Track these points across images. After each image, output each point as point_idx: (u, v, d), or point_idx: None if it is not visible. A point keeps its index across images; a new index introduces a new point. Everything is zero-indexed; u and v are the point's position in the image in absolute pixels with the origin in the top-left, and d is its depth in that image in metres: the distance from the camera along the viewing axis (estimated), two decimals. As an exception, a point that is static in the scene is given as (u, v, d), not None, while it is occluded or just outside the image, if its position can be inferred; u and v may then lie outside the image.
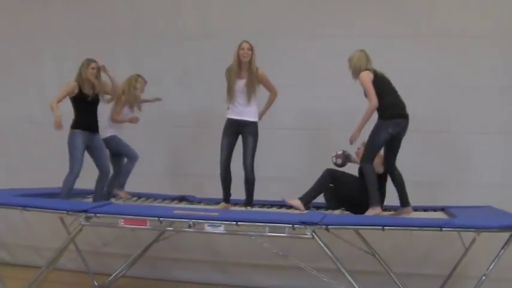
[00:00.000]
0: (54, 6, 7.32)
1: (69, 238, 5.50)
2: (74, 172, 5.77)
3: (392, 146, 5.31)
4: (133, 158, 6.14)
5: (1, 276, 5.91)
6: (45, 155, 7.13)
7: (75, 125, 5.84)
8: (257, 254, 6.25)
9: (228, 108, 5.70)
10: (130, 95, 6.15)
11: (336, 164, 5.63)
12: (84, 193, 6.22)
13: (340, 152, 5.63)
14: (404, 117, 5.30)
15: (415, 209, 5.76)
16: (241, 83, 5.60)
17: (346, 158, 5.62)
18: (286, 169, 6.63)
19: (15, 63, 7.38)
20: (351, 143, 5.39)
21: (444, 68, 6.35)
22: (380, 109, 5.24)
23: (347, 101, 6.25)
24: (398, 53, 6.34)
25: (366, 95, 5.31)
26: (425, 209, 5.84)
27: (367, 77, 5.27)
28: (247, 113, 5.62)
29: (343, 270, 4.64)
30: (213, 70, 6.57)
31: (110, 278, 6.35)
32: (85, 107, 5.86)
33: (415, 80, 6.26)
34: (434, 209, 5.86)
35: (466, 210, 5.47)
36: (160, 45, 7.00)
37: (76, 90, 5.83)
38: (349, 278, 4.60)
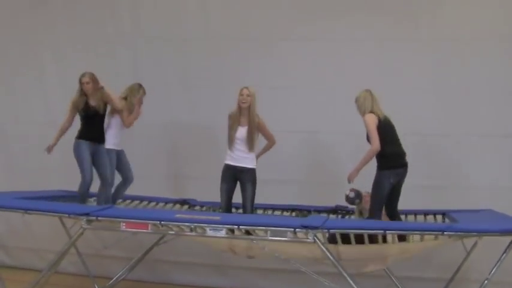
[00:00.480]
0: (56, 9, 7.31)
1: (70, 241, 5.49)
2: (85, 181, 5.92)
3: (393, 193, 5.35)
4: (111, 183, 6.09)
5: (1, 278, 5.91)
6: (46, 157, 7.09)
7: (80, 135, 5.97)
8: (258, 258, 6.24)
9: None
10: (131, 104, 6.12)
11: (347, 196, 5.63)
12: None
13: (352, 195, 5.63)
14: (405, 165, 5.35)
15: (416, 213, 5.78)
16: (241, 130, 5.62)
17: (358, 195, 5.62)
18: (287, 172, 6.62)
19: (17, 65, 7.37)
20: (349, 182, 5.41)
21: (445, 71, 6.34)
22: (381, 159, 5.28)
23: (347, 104, 6.23)
24: (399, 56, 6.34)
25: (368, 138, 5.33)
26: (426, 213, 5.85)
27: (371, 120, 5.28)
28: (245, 160, 5.63)
29: (345, 274, 4.63)
30: (215, 72, 6.61)
31: (110, 282, 6.33)
32: (88, 119, 5.99)
33: (415, 83, 6.27)
34: (435, 213, 5.87)
35: (467, 214, 5.48)
36: (161, 47, 6.99)
37: (80, 105, 5.96)
38: (351, 281, 4.59)
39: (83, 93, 5.97)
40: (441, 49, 6.33)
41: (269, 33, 6.67)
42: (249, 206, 5.63)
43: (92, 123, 6.00)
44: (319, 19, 6.57)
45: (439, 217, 5.82)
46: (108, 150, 6.04)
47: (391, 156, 5.29)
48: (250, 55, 6.65)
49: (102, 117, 6.05)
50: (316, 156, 6.51)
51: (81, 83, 5.96)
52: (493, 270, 4.59)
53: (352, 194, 5.62)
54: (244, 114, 5.61)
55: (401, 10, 6.44)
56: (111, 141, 6.07)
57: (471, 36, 6.24)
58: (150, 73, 6.85)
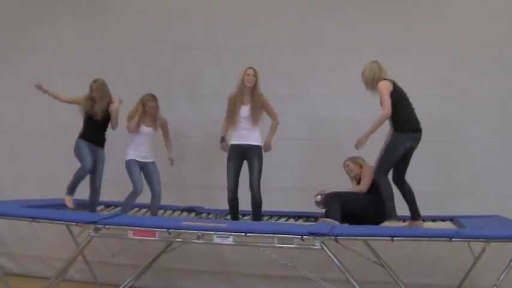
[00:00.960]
0: (63, 21, 7.36)
1: (77, 249, 5.52)
2: (86, 167, 6.03)
3: (405, 159, 5.30)
4: (134, 191, 6.09)
5: (9, 286, 5.92)
6: (53, 165, 7.15)
7: (80, 136, 6.13)
8: (265, 265, 6.24)
9: (223, 139, 5.78)
10: (135, 111, 6.15)
11: (317, 202, 5.76)
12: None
13: (319, 199, 5.73)
14: (420, 130, 5.32)
15: (424, 219, 5.75)
16: (245, 109, 5.68)
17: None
18: (294, 179, 6.62)
19: (24, 76, 7.38)
20: (357, 148, 5.38)
21: (452, 77, 6.33)
22: (398, 122, 5.25)
23: (355, 111, 6.26)
24: (405, 63, 6.31)
25: (381, 103, 5.29)
26: (433, 219, 5.83)
27: (385, 85, 5.24)
28: (251, 137, 5.69)
29: (352, 281, 4.64)
30: (221, 81, 6.62)
31: (118, 290, 6.35)
32: (90, 122, 6.11)
33: (422, 89, 6.22)
34: (443, 219, 5.85)
35: (475, 220, 5.46)
36: (168, 57, 7.01)
37: (86, 107, 6.08)
38: (359, 288, 4.60)
39: (91, 97, 6.10)
40: (447, 55, 6.32)
41: (276, 41, 6.69)
42: (256, 184, 5.63)
43: (92, 126, 6.13)
44: (325, 27, 6.57)
45: (448, 222, 5.80)
46: (128, 161, 6.09)
47: (408, 119, 5.26)
48: (256, 63, 6.63)
49: (103, 123, 6.16)
50: (324, 163, 6.49)
51: (91, 89, 6.10)
52: (502, 277, 4.57)
53: (318, 197, 5.72)
54: (247, 93, 5.70)
55: (406, 16, 6.43)
56: (130, 152, 6.12)
57: (478, 41, 6.23)
58: (157, 83, 6.88)
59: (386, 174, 5.28)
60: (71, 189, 6.05)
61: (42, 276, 6.73)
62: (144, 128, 6.16)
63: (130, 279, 6.19)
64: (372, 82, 5.33)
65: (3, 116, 7.57)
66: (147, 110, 6.13)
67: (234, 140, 5.74)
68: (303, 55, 6.62)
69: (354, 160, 5.83)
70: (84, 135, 6.12)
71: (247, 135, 5.69)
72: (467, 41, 6.28)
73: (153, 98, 6.16)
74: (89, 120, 6.12)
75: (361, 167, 5.79)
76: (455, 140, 6.30)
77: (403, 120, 5.23)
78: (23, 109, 7.46)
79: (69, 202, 6.02)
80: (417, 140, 5.30)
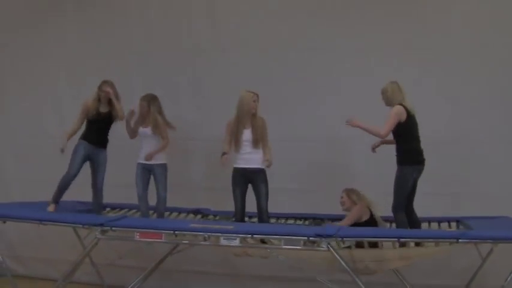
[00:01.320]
0: (68, 24, 7.40)
1: (84, 252, 5.53)
2: (70, 173, 5.99)
3: (412, 190, 5.36)
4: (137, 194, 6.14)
5: (16, 288, 5.95)
6: (59, 168, 7.14)
7: (81, 136, 6.11)
8: (272, 266, 6.24)
9: (224, 153, 5.73)
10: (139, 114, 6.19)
11: None
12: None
13: None
14: (424, 161, 5.39)
15: (430, 221, 5.75)
16: (247, 132, 5.71)
17: None
18: (300, 180, 6.62)
19: (31, 78, 7.45)
20: (347, 122, 5.44)
21: (458, 79, 6.32)
22: (402, 155, 5.32)
23: (359, 112, 6.21)
24: (409, 65, 6.32)
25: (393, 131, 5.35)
26: (440, 221, 5.82)
27: (398, 111, 5.30)
28: (255, 160, 5.70)
29: (359, 282, 4.63)
30: (226, 83, 6.63)
31: (124, 292, 6.36)
32: (92, 123, 6.09)
33: (429, 91, 6.25)
34: (450, 220, 5.84)
35: (482, 221, 5.46)
36: (172, 59, 7.03)
37: (92, 111, 6.05)
38: (366, 290, 4.59)
39: (98, 98, 6.07)
40: (452, 57, 6.31)
41: (280, 42, 6.69)
42: (264, 207, 5.66)
43: (95, 127, 6.10)
44: (330, 28, 6.58)
45: (454, 224, 5.79)
46: (137, 164, 6.11)
47: (416, 153, 5.34)
48: (260, 65, 6.67)
49: (106, 124, 6.13)
50: (329, 165, 6.50)
51: (100, 90, 6.05)
52: (509, 278, 4.57)
53: None
54: (248, 118, 5.72)
55: (413, 20, 6.43)
56: (139, 155, 6.13)
57: (485, 44, 6.22)
58: (161, 85, 6.89)
59: (403, 209, 5.31)
60: (55, 200, 6.01)
61: (49, 278, 6.75)
62: (141, 129, 6.16)
63: (137, 281, 6.21)
64: (391, 103, 5.39)
65: (11, 120, 7.60)
66: (140, 109, 6.15)
67: (238, 164, 5.75)
68: (308, 57, 6.62)
69: (349, 194, 5.79)
70: (86, 136, 6.09)
71: (251, 158, 5.70)
72: (470, 42, 6.27)
73: (143, 97, 6.14)
74: (91, 121, 6.09)
75: (354, 202, 5.73)
76: (461, 141, 6.28)
77: (408, 154, 5.32)
78: (30, 112, 7.48)
79: (51, 209, 5.95)
80: (421, 171, 5.38)
